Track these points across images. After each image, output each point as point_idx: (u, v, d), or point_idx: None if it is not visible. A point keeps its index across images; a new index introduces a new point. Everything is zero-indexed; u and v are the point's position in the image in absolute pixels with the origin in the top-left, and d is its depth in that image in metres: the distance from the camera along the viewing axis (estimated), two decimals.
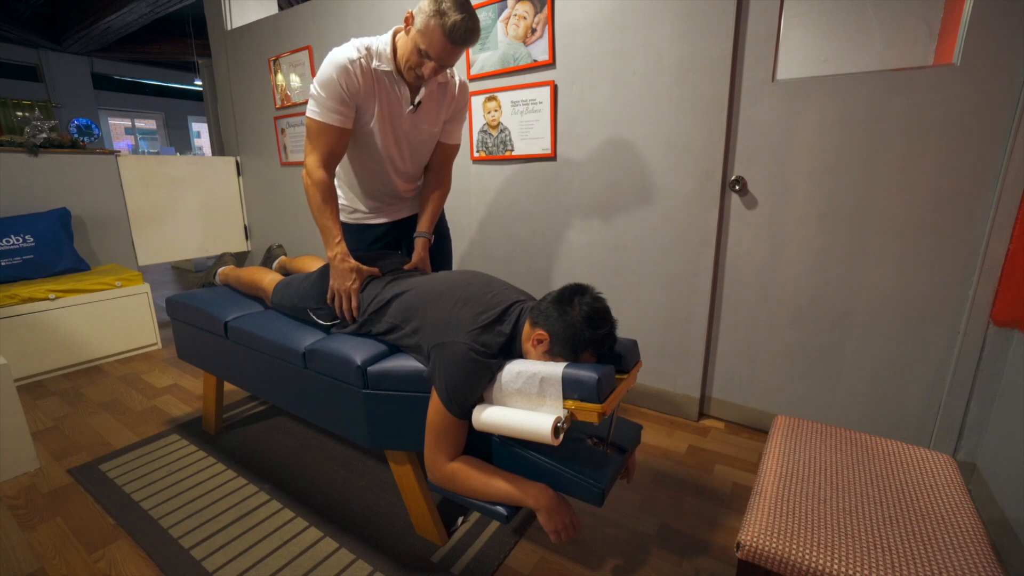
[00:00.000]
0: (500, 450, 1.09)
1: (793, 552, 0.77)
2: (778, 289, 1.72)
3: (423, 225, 1.61)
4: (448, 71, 1.47)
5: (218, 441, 1.81)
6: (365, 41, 1.36)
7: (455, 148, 1.63)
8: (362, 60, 1.33)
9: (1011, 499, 1.23)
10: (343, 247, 1.36)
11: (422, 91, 1.43)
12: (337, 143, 1.39)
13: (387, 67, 1.36)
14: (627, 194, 1.90)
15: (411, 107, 1.43)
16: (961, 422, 1.49)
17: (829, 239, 1.60)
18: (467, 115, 1.60)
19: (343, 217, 1.65)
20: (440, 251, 1.78)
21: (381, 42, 1.36)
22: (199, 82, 8.29)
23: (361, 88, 1.35)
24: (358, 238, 1.67)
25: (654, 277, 1.92)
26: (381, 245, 1.70)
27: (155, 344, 2.80)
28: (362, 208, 1.65)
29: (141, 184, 3.07)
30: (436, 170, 1.64)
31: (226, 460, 1.69)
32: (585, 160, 1.97)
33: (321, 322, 1.42)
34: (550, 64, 1.95)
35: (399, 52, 1.35)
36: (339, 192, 1.64)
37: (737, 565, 0.86)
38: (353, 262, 1.36)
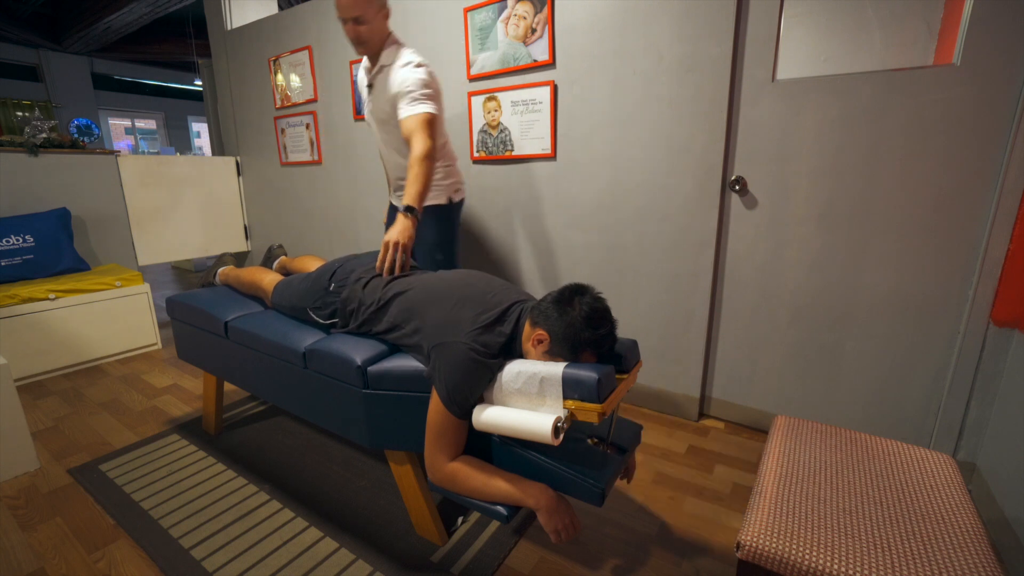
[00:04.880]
0: (500, 450, 1.09)
1: (793, 552, 0.77)
2: (778, 289, 1.72)
3: (404, 197, 1.62)
4: (397, 54, 1.69)
5: (218, 441, 1.81)
6: None
7: (405, 123, 1.65)
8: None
9: (1011, 499, 1.23)
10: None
11: (374, 75, 1.73)
12: None
13: (358, 56, 1.75)
14: (627, 194, 1.90)
15: (368, 88, 1.77)
16: (961, 422, 1.49)
17: (829, 239, 1.60)
18: (409, 93, 1.64)
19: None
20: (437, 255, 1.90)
21: None
22: (199, 82, 8.29)
23: (359, 79, 1.83)
24: (390, 217, 1.97)
25: (654, 277, 1.92)
26: None
27: (155, 344, 2.80)
28: (391, 188, 1.98)
29: (141, 184, 3.07)
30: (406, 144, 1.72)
31: (226, 460, 1.69)
32: (585, 160, 1.97)
33: (321, 321, 1.42)
34: (550, 64, 1.95)
35: None
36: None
37: (737, 565, 0.86)
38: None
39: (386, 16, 1.71)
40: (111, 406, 2.12)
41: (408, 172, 1.61)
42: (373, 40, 1.69)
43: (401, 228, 1.47)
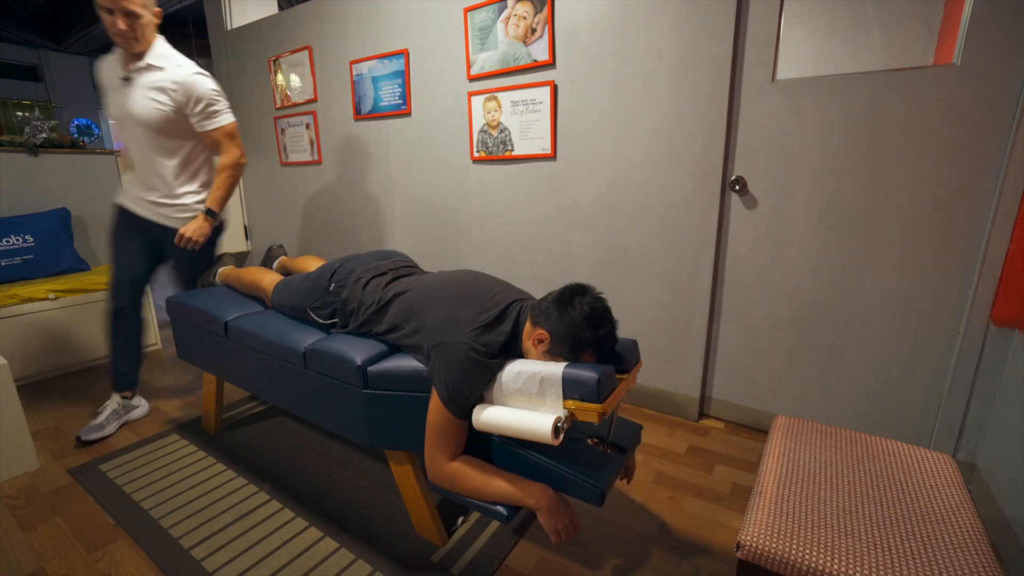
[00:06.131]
0: (500, 450, 1.09)
1: (793, 552, 0.77)
2: (778, 289, 1.72)
3: (208, 200, 1.83)
4: (172, 57, 1.71)
5: (218, 441, 1.81)
6: None
7: (211, 134, 1.77)
8: None
9: (1011, 499, 1.23)
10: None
11: (137, 70, 1.69)
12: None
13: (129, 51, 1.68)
14: (627, 194, 1.90)
15: (124, 81, 1.69)
16: (961, 422, 1.49)
17: (829, 239, 1.60)
18: (211, 104, 1.73)
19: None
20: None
21: None
22: None
23: (101, 74, 1.78)
24: (122, 221, 1.91)
25: (654, 277, 1.92)
26: None
27: (155, 344, 2.80)
28: (139, 187, 1.88)
29: None
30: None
31: (226, 460, 1.69)
32: (585, 160, 1.97)
33: (321, 321, 1.42)
34: (550, 64, 1.95)
35: None
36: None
37: (737, 565, 0.86)
38: None
39: (158, 15, 1.72)
40: None
41: (216, 177, 1.80)
42: (144, 37, 1.68)
43: (196, 226, 1.76)
